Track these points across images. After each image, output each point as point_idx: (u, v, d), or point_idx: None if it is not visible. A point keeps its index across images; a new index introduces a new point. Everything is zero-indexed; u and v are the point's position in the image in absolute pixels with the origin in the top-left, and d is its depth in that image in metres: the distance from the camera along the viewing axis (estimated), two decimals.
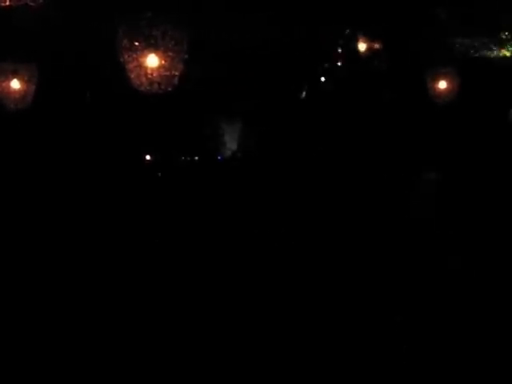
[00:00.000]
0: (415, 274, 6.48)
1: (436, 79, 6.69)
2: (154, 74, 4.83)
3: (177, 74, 4.94)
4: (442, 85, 6.77)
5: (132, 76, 4.89)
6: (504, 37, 6.80)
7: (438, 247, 6.84)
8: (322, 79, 7.66)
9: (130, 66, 4.84)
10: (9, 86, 6.01)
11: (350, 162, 7.68)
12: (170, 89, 4.95)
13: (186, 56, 4.91)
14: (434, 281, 6.43)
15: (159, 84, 4.89)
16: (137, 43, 4.77)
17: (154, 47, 4.76)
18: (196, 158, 8.13)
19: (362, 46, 6.37)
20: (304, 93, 7.88)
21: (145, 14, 4.70)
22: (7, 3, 2.34)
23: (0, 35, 5.67)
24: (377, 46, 6.48)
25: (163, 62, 4.81)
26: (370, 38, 6.40)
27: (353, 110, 7.58)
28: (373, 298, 6.19)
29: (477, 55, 7.14)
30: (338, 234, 7.14)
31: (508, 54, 7.00)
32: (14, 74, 6.00)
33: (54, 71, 6.46)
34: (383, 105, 7.51)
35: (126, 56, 4.82)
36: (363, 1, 6.07)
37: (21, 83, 6.01)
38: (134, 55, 4.80)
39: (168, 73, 4.88)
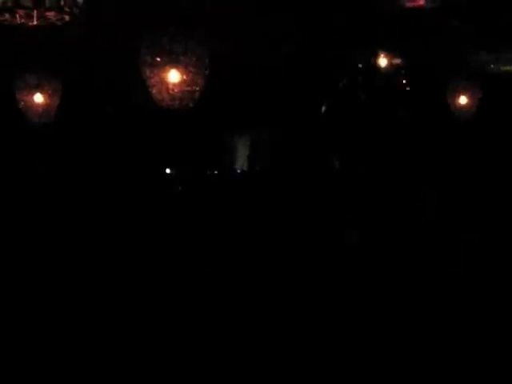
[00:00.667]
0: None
1: (456, 94, 6.68)
2: (176, 90, 4.87)
3: (198, 89, 4.97)
4: (463, 100, 6.76)
5: (153, 91, 4.94)
6: None
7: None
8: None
9: (152, 81, 4.89)
10: (32, 100, 6.09)
11: (367, 177, 7.68)
12: (191, 104, 4.99)
13: (207, 71, 4.95)
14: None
15: (180, 99, 4.93)
16: (158, 59, 4.82)
17: (175, 63, 4.80)
18: (215, 171, 8.16)
19: (382, 62, 6.37)
20: (324, 108, 7.89)
21: (167, 29, 4.76)
22: (34, 23, 2.38)
23: (24, 50, 5.77)
24: (397, 61, 6.48)
25: (184, 77, 4.86)
26: (390, 54, 6.40)
27: (373, 125, 7.59)
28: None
29: (497, 70, 7.13)
30: (353, 245, 7.14)
31: None
32: (38, 88, 6.08)
33: (76, 86, 6.52)
34: (403, 120, 7.52)
35: (148, 71, 4.87)
36: (383, 17, 6.08)
37: (44, 97, 6.09)
38: (156, 71, 4.85)
39: (189, 88, 4.91)
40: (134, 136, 7.40)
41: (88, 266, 6.82)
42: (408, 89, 7.22)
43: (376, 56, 6.39)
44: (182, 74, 4.82)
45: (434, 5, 5.65)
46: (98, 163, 7.42)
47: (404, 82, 6.87)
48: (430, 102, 7.24)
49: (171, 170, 7.91)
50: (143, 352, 5.91)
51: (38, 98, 6.07)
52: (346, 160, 7.77)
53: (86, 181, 7.38)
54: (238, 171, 8.13)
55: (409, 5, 5.62)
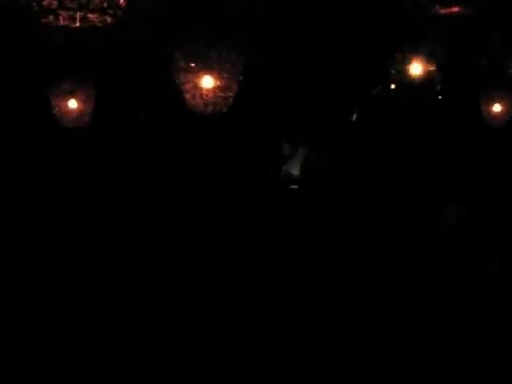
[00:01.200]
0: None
1: (491, 103, 6.62)
2: (210, 95, 4.89)
3: (232, 95, 4.98)
4: (497, 108, 6.69)
5: (187, 97, 4.96)
6: None
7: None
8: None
9: (186, 87, 4.91)
10: (66, 106, 6.14)
11: (403, 185, 7.64)
12: (224, 110, 5.00)
13: (241, 77, 4.96)
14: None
15: (214, 105, 4.94)
16: (193, 64, 4.84)
17: (209, 68, 4.82)
18: (251, 179, 8.10)
19: (416, 69, 6.33)
20: (355, 116, 7.86)
21: (201, 35, 4.78)
22: (77, 25, 2.40)
23: (57, 55, 5.83)
24: (431, 68, 6.44)
25: (218, 83, 4.87)
26: (423, 61, 6.36)
27: (407, 132, 7.55)
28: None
29: None
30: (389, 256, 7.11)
31: None
32: (72, 93, 6.13)
33: (110, 91, 6.57)
34: (436, 127, 7.46)
35: (182, 77, 4.89)
36: (417, 23, 6.05)
37: (78, 103, 6.14)
38: (190, 76, 4.87)
39: (223, 94, 4.93)
40: (166, 141, 7.42)
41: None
42: (440, 97, 7.17)
43: (409, 63, 6.35)
44: (215, 80, 4.85)
45: (469, 12, 5.60)
46: (130, 168, 7.45)
47: (438, 89, 6.82)
48: (464, 110, 7.18)
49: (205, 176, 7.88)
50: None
51: (73, 103, 6.13)
52: (379, 169, 7.72)
53: (119, 185, 7.41)
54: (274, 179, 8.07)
55: (443, 11, 5.58)
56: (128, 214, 7.28)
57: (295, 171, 7.98)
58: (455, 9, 5.48)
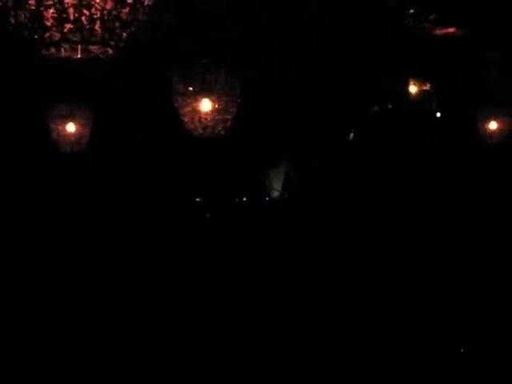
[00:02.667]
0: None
1: (487, 121, 6.65)
2: (208, 119, 4.90)
3: (229, 117, 5.00)
4: (493, 126, 6.72)
5: (186, 120, 4.97)
6: None
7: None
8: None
9: (184, 110, 4.93)
10: (64, 129, 6.15)
11: (397, 205, 7.65)
12: (222, 132, 5.02)
13: (239, 100, 4.98)
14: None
15: (212, 128, 4.96)
16: (191, 88, 4.86)
17: (207, 92, 4.84)
18: (244, 199, 8.17)
19: (412, 88, 6.37)
20: (351, 135, 7.89)
21: (200, 60, 4.80)
22: (78, 56, 2.41)
23: (56, 79, 5.85)
24: (427, 88, 6.47)
25: (217, 106, 4.89)
26: (420, 80, 6.40)
27: (402, 152, 7.57)
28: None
29: None
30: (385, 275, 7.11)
31: None
32: (70, 117, 6.15)
33: (108, 115, 6.59)
34: (432, 147, 7.49)
35: (181, 100, 4.91)
36: (413, 43, 6.09)
37: (76, 126, 6.15)
38: (189, 100, 4.89)
39: (221, 117, 4.95)
40: (163, 163, 7.44)
41: (108, 294, 6.87)
42: (438, 115, 7.19)
43: (406, 82, 6.38)
44: (214, 103, 4.87)
45: (464, 32, 5.65)
46: (127, 190, 7.46)
47: (434, 108, 6.85)
48: (460, 129, 7.22)
49: (200, 197, 7.94)
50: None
51: (71, 127, 6.14)
52: (375, 187, 7.74)
53: (116, 206, 7.42)
54: (267, 198, 8.14)
55: (439, 32, 5.63)
56: (125, 233, 7.28)
57: (291, 188, 8.03)
58: (451, 29, 5.53)
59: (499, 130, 6.75)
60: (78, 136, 6.16)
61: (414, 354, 5.94)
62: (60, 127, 6.13)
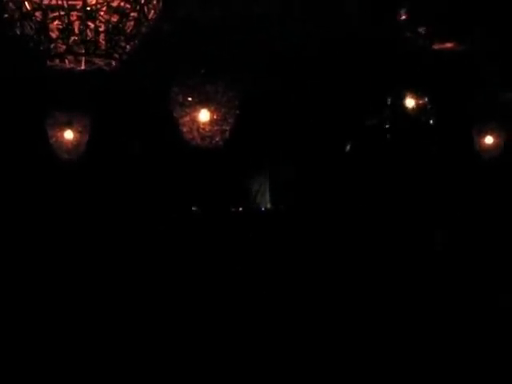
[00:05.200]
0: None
1: (483, 135, 6.69)
2: (206, 129, 4.93)
3: (227, 128, 5.03)
4: (489, 140, 6.77)
5: (184, 130, 5.00)
6: None
7: None
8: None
9: (183, 120, 4.95)
10: (62, 137, 6.17)
11: (392, 217, 7.68)
12: (220, 143, 5.04)
13: (237, 111, 5.01)
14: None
15: (211, 138, 4.98)
16: (190, 98, 4.89)
17: (206, 103, 4.87)
18: (240, 208, 8.19)
19: (409, 102, 6.40)
20: (348, 147, 7.92)
21: (199, 71, 4.83)
22: (82, 67, 2.43)
23: (55, 87, 5.87)
24: (424, 101, 6.51)
25: (215, 116, 4.91)
26: (417, 94, 6.44)
27: (399, 165, 7.60)
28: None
29: None
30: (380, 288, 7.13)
31: None
32: (68, 124, 6.17)
33: (106, 123, 6.61)
34: (430, 160, 7.52)
35: (180, 111, 4.93)
36: (410, 57, 6.13)
37: (74, 134, 6.17)
38: (187, 110, 4.92)
39: (219, 127, 4.97)
40: (159, 173, 7.46)
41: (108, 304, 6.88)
42: (434, 127, 7.23)
43: (403, 96, 6.42)
44: (212, 113, 4.90)
45: (462, 47, 5.69)
46: (123, 200, 7.48)
47: (431, 122, 6.89)
48: (457, 143, 7.26)
49: (197, 207, 7.95)
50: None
51: (69, 134, 6.16)
52: (370, 198, 7.77)
53: (113, 215, 7.43)
54: (262, 209, 8.16)
55: (437, 47, 5.66)
56: (122, 242, 7.29)
57: (283, 200, 8.06)
58: (449, 45, 5.57)
59: (497, 143, 6.80)
60: (76, 143, 6.18)
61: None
62: (58, 134, 6.16)
